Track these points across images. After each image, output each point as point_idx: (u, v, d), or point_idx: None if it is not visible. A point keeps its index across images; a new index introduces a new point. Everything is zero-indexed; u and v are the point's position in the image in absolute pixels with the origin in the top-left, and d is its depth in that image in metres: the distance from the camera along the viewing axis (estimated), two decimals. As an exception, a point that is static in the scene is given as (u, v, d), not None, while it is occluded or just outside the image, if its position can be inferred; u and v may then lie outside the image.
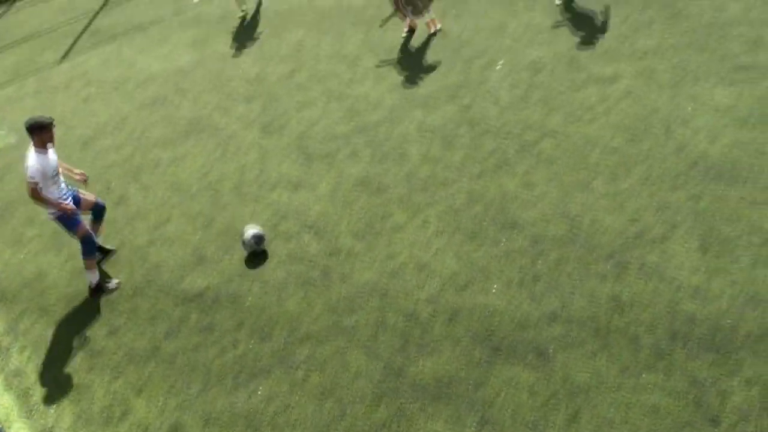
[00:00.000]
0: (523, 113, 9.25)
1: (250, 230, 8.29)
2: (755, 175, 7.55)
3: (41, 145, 7.91)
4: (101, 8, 16.53)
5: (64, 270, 8.95)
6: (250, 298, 7.92)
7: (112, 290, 8.48)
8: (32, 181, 7.79)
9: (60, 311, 8.44)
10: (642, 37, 10.15)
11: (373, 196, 8.62)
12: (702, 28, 10.03)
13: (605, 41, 10.30)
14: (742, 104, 8.50)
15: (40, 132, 7.86)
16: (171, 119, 11.22)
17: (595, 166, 8.19)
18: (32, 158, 7.85)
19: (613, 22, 10.69)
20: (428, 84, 10.38)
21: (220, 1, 15.15)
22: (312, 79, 11.32)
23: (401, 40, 11.65)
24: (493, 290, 7.18)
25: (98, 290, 8.47)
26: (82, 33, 15.37)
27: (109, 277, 8.61)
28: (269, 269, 8.13)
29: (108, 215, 9.36)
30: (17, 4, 18.41)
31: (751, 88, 8.71)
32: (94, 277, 8.44)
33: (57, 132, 11.67)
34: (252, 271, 8.17)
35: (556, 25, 10.93)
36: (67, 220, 8.13)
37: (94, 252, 8.36)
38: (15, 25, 16.91)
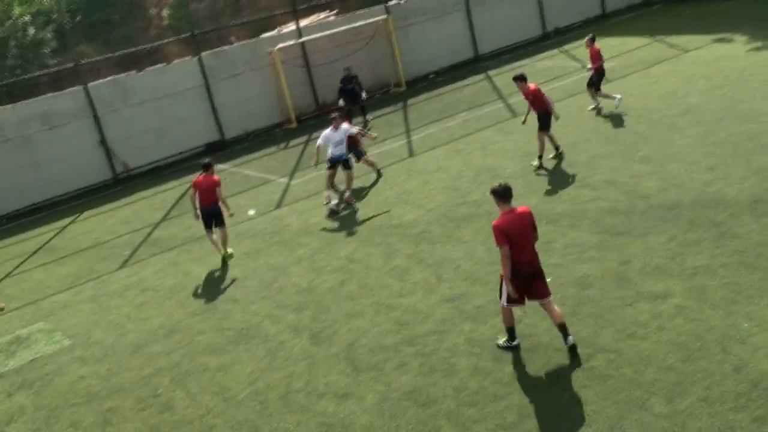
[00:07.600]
0: (573, 329, 9.17)
1: None
2: (821, 398, 7.24)
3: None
4: (161, 221, 17.35)
5: None
6: None
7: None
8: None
9: None
10: (691, 255, 10.22)
11: (421, 409, 8.41)
12: (751, 247, 10.09)
13: (653, 259, 10.37)
14: (800, 324, 8.34)
15: None
16: (221, 327, 11.35)
17: (651, 384, 7.96)
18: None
19: (660, 240, 10.83)
20: (478, 297, 10.44)
21: (275, 215, 15.82)
22: (361, 290, 11.49)
23: (450, 254, 11.89)
24: None
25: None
26: (141, 244, 16.02)
27: None
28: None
29: (152, 421, 9.25)
30: (85, 212, 19.44)
31: (807, 307, 8.59)
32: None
33: (109, 337, 11.88)
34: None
35: (603, 243, 11.10)
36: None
37: None
38: (81, 234, 17.74)
